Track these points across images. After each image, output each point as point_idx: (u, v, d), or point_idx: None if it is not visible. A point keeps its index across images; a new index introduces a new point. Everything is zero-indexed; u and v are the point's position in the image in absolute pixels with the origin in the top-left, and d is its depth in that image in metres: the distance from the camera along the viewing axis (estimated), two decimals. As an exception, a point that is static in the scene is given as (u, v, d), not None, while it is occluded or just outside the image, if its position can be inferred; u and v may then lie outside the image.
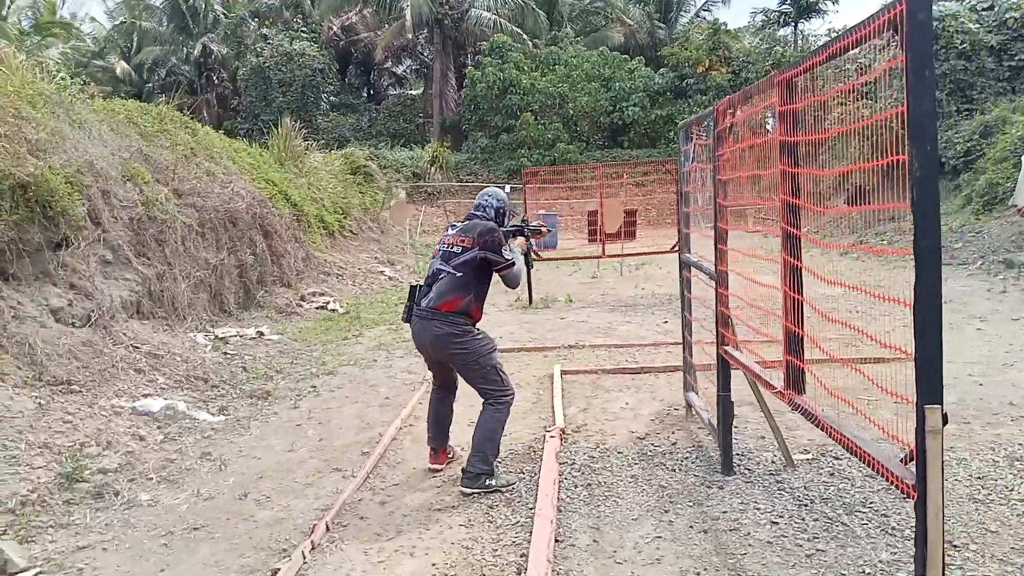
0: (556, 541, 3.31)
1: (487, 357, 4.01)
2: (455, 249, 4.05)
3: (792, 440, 4.47)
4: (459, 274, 3.98)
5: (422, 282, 4.17)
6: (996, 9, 17.01)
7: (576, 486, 3.92)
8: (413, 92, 38.37)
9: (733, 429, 4.69)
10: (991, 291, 9.58)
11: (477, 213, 4.22)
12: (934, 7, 16.92)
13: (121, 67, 35.00)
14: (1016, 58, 16.33)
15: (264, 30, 31.79)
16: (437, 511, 3.70)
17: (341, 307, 10.10)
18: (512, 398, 4.11)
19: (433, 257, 4.19)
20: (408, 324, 4.18)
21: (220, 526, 3.63)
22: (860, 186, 9.49)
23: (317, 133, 29.26)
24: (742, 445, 4.44)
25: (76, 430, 4.49)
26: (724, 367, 4.07)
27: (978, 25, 16.60)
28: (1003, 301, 8.84)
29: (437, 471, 4.23)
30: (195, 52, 33.58)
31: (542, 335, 8.10)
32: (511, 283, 4.13)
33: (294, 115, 28.68)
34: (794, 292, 3.09)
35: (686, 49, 27.22)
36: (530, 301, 10.45)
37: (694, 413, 4.89)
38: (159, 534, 3.55)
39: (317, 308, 10.10)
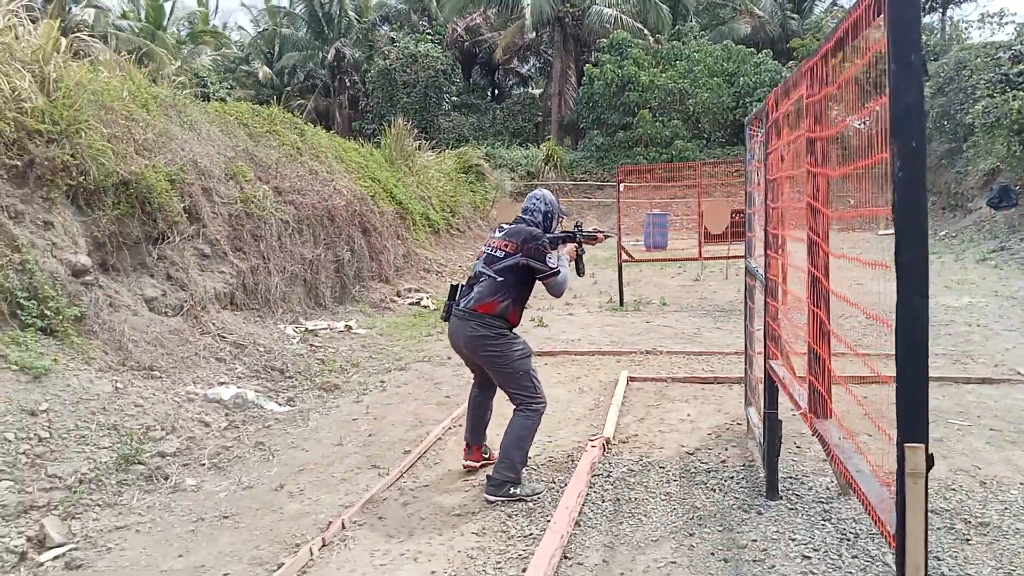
0: (565, 558, 3.18)
1: (520, 362, 3.96)
2: (498, 253, 4.04)
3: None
4: (500, 279, 3.98)
5: (464, 283, 4.18)
6: None
7: (604, 500, 3.76)
8: (535, 91, 38.61)
9: (795, 450, 4.39)
10: None
11: (524, 216, 4.18)
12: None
13: (263, 72, 37.33)
14: None
15: (392, 33, 32.90)
16: (456, 516, 3.65)
17: (432, 303, 10.27)
18: (544, 406, 4.03)
19: (477, 259, 4.19)
20: (446, 323, 4.18)
21: (248, 516, 3.75)
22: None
23: (439, 132, 30.04)
24: (798, 468, 4.12)
25: (145, 414, 4.78)
26: (770, 383, 3.77)
27: None
28: None
29: (471, 468, 4.22)
30: (329, 56, 35.25)
31: (622, 339, 7.88)
32: (554, 291, 4.07)
33: (416, 115, 29.75)
34: (816, 306, 2.81)
35: (817, 40, 25.69)
36: (621, 303, 10.23)
37: (752, 430, 4.58)
38: (191, 519, 3.71)
39: (411, 304, 10.32)
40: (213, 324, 6.68)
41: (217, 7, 41.81)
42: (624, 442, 4.63)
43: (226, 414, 5.27)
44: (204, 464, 4.43)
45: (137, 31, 31.51)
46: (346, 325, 8.44)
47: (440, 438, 4.81)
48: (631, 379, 6.12)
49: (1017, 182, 16.87)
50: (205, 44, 38.96)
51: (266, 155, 9.42)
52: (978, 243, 15.16)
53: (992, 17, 23.86)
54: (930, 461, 1.76)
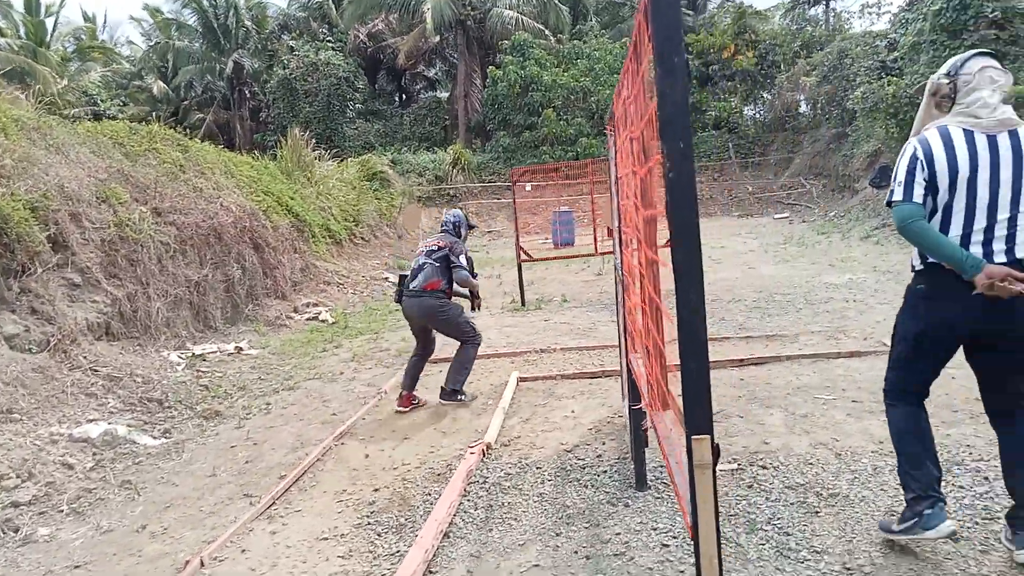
0: (429, 572, 3.13)
1: (460, 317, 5.66)
2: (434, 248, 5.69)
3: (726, 448, 4.18)
4: (438, 265, 5.61)
5: (407, 273, 5.73)
6: (1028, -28, 16.05)
7: (477, 508, 3.72)
8: (442, 95, 38.50)
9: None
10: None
11: (445, 227, 5.92)
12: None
13: (158, 86, 35.97)
14: (1051, 22, 15.36)
15: (291, 42, 32.21)
16: (323, 540, 3.55)
17: (331, 317, 10.06)
18: (480, 340, 5.78)
19: (418, 255, 5.76)
20: (399, 304, 5.73)
21: (103, 563, 3.55)
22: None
23: (344, 141, 29.57)
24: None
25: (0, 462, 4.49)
26: (630, 376, 3.81)
27: (1009, -10, 15.67)
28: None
29: (401, 412, 5.51)
30: (227, 68, 34.23)
31: (519, 339, 7.90)
32: (459, 278, 5.64)
33: (320, 124, 29.24)
34: (646, 297, 2.84)
35: (711, 35, 26.54)
36: (522, 302, 10.27)
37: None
38: (38, 574, 3.48)
39: (308, 319, 10.09)
40: (84, 357, 6.34)
41: (105, 21, 39.99)
42: (506, 445, 4.61)
43: (93, 453, 5.00)
44: (62, 511, 4.18)
45: (16, 49, 29.88)
46: (236, 347, 8.17)
47: (320, 459, 4.69)
48: (521, 379, 6.13)
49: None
50: (94, 60, 37.31)
51: (144, 175, 9.04)
52: (863, 221, 15.92)
53: (872, 8, 25.05)
54: (716, 452, 1.78)
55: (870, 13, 24.82)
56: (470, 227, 6.06)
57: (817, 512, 3.32)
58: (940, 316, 2.77)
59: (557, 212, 19.70)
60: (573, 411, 5.21)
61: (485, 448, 4.43)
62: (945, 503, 2.86)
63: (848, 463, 3.80)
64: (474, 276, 5.78)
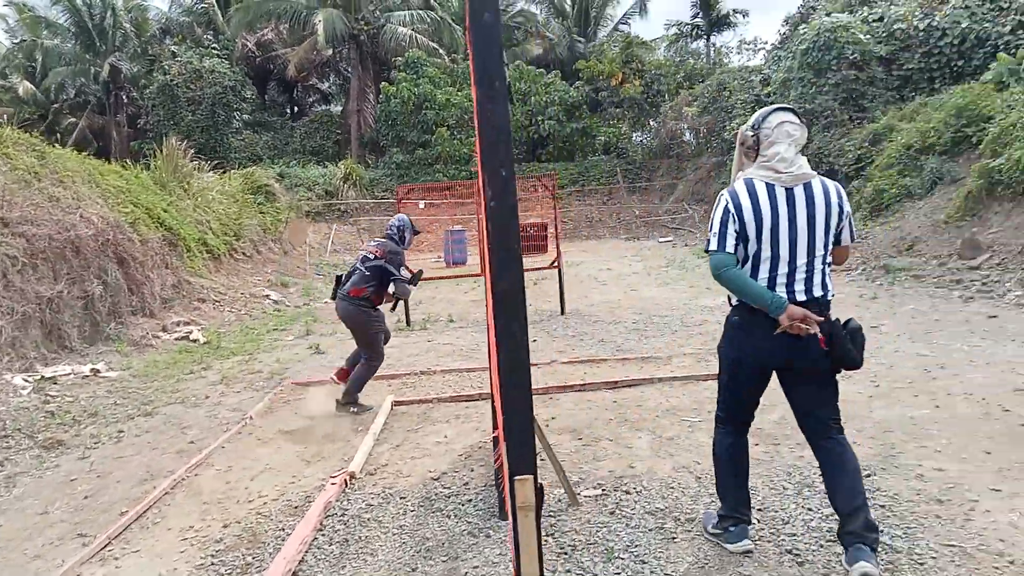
0: (273, 615, 2.94)
1: (374, 333, 5.87)
2: (370, 255, 5.91)
3: (592, 473, 4.18)
4: (368, 273, 5.82)
5: (343, 274, 6.04)
6: (885, 20, 17.42)
7: (332, 543, 3.54)
8: (335, 109, 37.82)
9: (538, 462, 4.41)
10: (863, 297, 9.61)
11: (389, 232, 6.08)
12: (828, 18, 17.26)
13: (24, 87, 33.57)
14: (904, 68, 16.70)
15: (173, 47, 30.80)
16: (161, 583, 3.28)
17: (203, 337, 9.55)
18: (381, 362, 6.02)
19: (356, 259, 6.02)
20: (333, 301, 5.98)
21: None
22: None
23: (230, 152, 28.47)
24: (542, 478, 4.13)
25: None
26: (493, 403, 3.74)
27: (868, 36, 16.94)
28: (869, 309, 8.83)
29: (338, 383, 6.03)
30: (104, 72, 32.34)
31: (400, 360, 7.73)
32: (399, 290, 5.92)
33: (204, 133, 28.04)
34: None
35: (600, 62, 27.32)
36: (407, 322, 10.10)
37: (500, 448, 4.58)
38: None
39: (178, 339, 9.53)
40: (-94, 381, 5.71)
41: (-36, 17, 37.01)
42: (371, 474, 4.44)
43: (-94, 489, 4.47)
44: None
45: None
46: (93, 369, 7.59)
47: (168, 492, 4.37)
48: (396, 403, 5.97)
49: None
50: (-51, 57, 34.47)
51: (-9, 182, 8.32)
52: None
53: (748, 44, 26.47)
54: (539, 493, 1.72)
55: (747, 49, 26.24)
56: (415, 232, 6.17)
57: (674, 538, 3.35)
58: (752, 347, 3.05)
59: (449, 231, 19.64)
60: (446, 436, 5.11)
61: (348, 478, 4.25)
62: (749, 523, 3.21)
63: (707, 486, 3.87)
64: (414, 284, 6.14)
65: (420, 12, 30.33)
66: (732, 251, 2.96)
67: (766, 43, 24.61)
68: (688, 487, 3.90)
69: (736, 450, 3.23)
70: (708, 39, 29.81)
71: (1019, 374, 5.62)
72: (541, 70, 28.74)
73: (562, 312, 10.18)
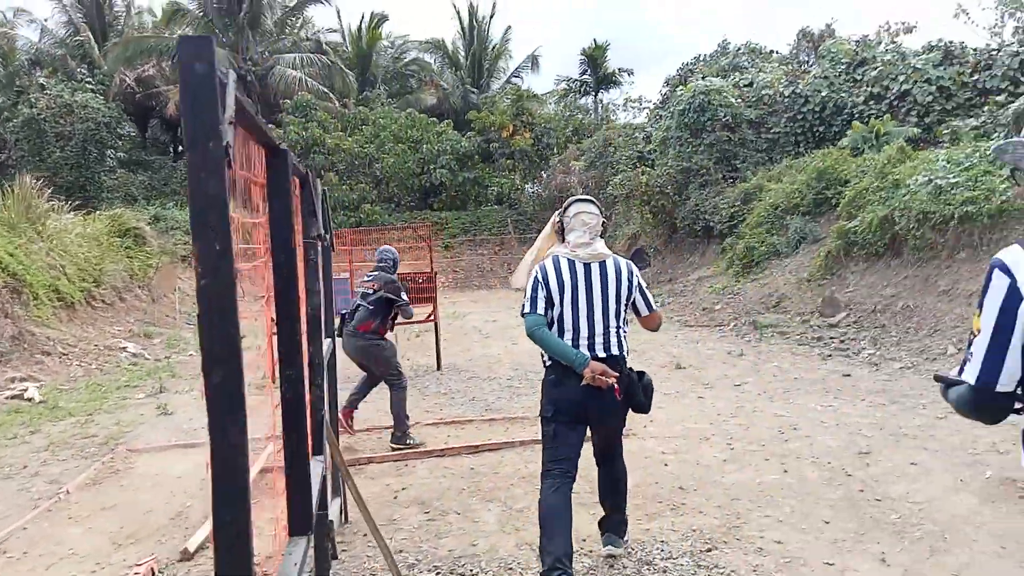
0: None
1: (389, 359, 6.27)
2: (369, 291, 6.29)
3: (431, 553, 3.91)
4: (371, 307, 6.21)
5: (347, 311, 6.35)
6: (754, 86, 18.47)
7: (121, 650, 3.11)
8: (222, 149, 36.57)
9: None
10: (731, 354, 9.84)
11: (381, 265, 6.53)
12: (703, 81, 18.12)
13: None
14: (772, 131, 17.69)
15: (42, 79, 29.06)
16: None
17: (39, 395, 8.69)
18: (406, 383, 6.32)
19: (352, 297, 6.59)
20: (340, 338, 5.99)
21: None
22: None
23: (101, 191, 26.90)
24: (374, 561, 3.83)
25: None
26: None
27: (740, 100, 17.90)
28: (736, 366, 9.03)
29: (346, 426, 6.07)
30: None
31: (251, 421, 7.22)
32: (406, 314, 6.44)
33: (73, 171, 26.43)
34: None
35: (492, 114, 27.71)
36: (274, 378, 9.54)
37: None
38: None
39: (10, 397, 8.63)
40: None
41: None
42: (187, 559, 4.00)
43: None
44: None
45: None
46: None
47: (-59, 589, 3.77)
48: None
49: (652, 245, 19.35)
50: None
51: None
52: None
53: (634, 102, 27.56)
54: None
55: (633, 106, 27.30)
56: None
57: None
58: (565, 398, 3.51)
59: (334, 279, 19.10)
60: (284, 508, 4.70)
61: (152, 568, 3.80)
62: (569, 571, 3.30)
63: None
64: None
65: (311, 55, 30.00)
66: (543, 313, 3.50)
67: (650, 102, 25.63)
68: (528, 567, 3.70)
69: (559, 501, 3.49)
70: (596, 95, 30.87)
71: (864, 435, 5.78)
72: (434, 119, 28.86)
73: (438, 368, 9.91)
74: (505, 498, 4.73)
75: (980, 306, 1.69)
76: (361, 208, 25.88)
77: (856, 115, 16.00)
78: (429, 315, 10.22)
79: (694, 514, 4.33)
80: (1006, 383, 1.64)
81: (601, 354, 3.45)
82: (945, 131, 13.48)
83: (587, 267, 3.51)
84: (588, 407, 3.48)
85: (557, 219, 3.76)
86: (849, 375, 8.18)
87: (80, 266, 14.17)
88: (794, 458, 5.32)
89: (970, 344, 1.71)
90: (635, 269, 3.68)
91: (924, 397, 6.99)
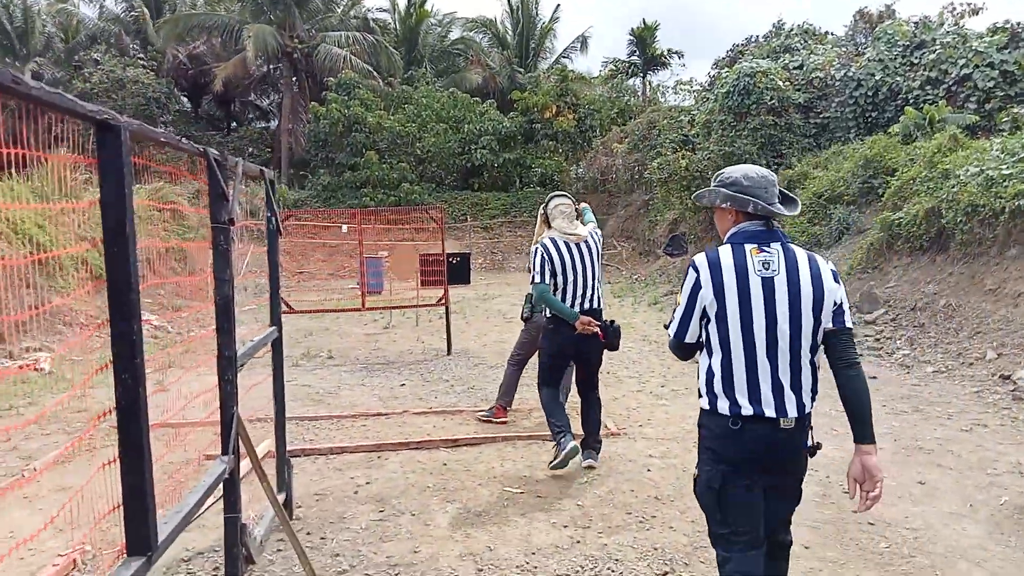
0: None
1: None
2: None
3: (368, 559, 3.65)
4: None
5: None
6: (804, 68, 17.61)
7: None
8: (273, 126, 36.98)
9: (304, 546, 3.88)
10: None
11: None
12: (748, 63, 17.36)
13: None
14: (821, 116, 16.86)
15: (96, 55, 29.70)
16: None
17: (49, 366, 8.75)
18: (515, 361, 6.33)
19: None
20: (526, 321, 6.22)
21: None
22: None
23: (146, 166, 27.38)
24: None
25: None
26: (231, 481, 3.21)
27: (788, 83, 17.08)
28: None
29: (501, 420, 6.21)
30: (25, 77, 30.96)
31: (242, 403, 7.08)
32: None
33: (123, 145, 26.90)
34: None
35: (536, 94, 27.21)
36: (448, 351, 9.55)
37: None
38: None
39: (21, 367, 8.71)
40: None
41: None
42: (114, 549, 3.82)
43: None
44: None
45: None
46: None
47: None
48: (209, 458, 5.35)
49: (692, 232, 18.73)
50: None
51: None
52: (656, 287, 16.48)
53: (685, 84, 26.68)
54: None
55: (683, 89, 26.43)
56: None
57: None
58: (560, 341, 4.89)
59: (367, 258, 19.08)
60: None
61: (75, 559, 3.63)
62: (571, 432, 4.84)
63: (483, 582, 3.38)
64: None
65: (357, 34, 29.91)
66: (548, 282, 4.80)
67: (700, 84, 24.78)
68: None
69: (556, 396, 5.04)
70: (643, 77, 30.04)
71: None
72: (476, 99, 28.50)
73: (448, 352, 9.67)
74: (467, 499, 4.44)
75: (681, 287, 2.58)
76: (400, 187, 25.76)
77: (911, 100, 15.08)
78: (440, 299, 9.97)
79: (662, 529, 3.97)
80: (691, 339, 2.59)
81: (587, 306, 4.82)
82: (1005, 119, 12.57)
83: (577, 247, 4.85)
84: (579, 348, 4.84)
85: (542, 211, 5.11)
86: (875, 377, 7.63)
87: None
88: (791, 469, 4.89)
89: (674, 311, 2.62)
90: (599, 235, 5.08)
91: (951, 406, 6.44)
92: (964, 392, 6.95)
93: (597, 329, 4.70)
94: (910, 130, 13.58)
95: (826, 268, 2.48)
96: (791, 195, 2.63)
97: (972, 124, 13.09)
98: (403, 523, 4.11)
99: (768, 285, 2.42)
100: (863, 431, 2.48)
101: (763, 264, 2.43)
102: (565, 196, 5.05)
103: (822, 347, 2.49)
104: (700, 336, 2.53)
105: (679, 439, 5.64)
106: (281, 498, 4.10)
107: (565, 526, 3.99)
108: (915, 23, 17.01)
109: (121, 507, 2.10)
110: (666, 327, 2.66)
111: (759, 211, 2.48)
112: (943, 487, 4.49)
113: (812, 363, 2.49)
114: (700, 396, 2.55)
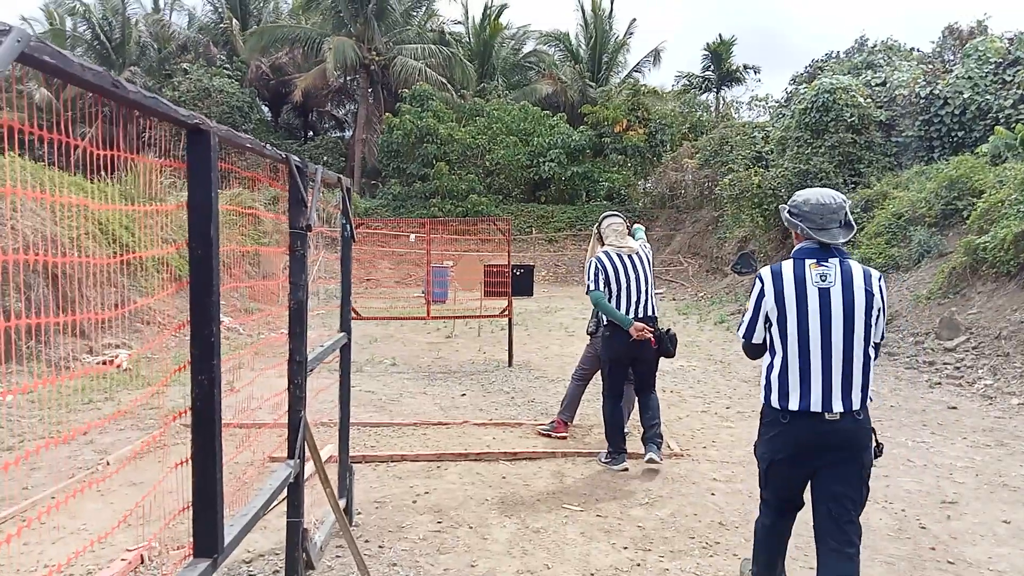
0: None
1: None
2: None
3: (426, 570, 3.65)
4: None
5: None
6: (888, 85, 17.04)
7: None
8: (348, 135, 37.92)
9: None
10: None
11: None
12: (828, 80, 16.90)
13: (41, 94, 33.95)
14: (903, 134, 16.26)
15: (185, 64, 31.04)
16: None
17: (127, 362, 9.12)
18: (579, 374, 6.28)
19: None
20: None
21: None
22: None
23: (230, 173, 28.44)
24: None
25: None
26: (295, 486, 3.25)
27: (869, 100, 16.55)
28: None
29: (562, 435, 6.12)
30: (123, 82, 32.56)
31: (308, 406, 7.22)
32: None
33: (206, 152, 28.00)
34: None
35: (606, 108, 27.12)
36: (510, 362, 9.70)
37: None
38: None
39: (100, 363, 9.10)
40: None
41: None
42: (181, 547, 3.93)
43: None
44: None
45: None
46: (-16, 391, 7.14)
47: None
48: (272, 458, 5.46)
49: (763, 250, 18.28)
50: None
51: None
52: (723, 305, 16.13)
53: (760, 101, 26.18)
54: None
55: (758, 105, 25.93)
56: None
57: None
58: (617, 347, 5.20)
59: (433, 267, 19.32)
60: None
61: (143, 555, 3.74)
62: (625, 453, 5.28)
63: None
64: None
65: (432, 47, 30.41)
66: (603, 290, 5.14)
67: (776, 101, 24.26)
68: None
69: (618, 411, 5.30)
70: (717, 92, 29.59)
71: (954, 481, 5.04)
72: (547, 112, 28.59)
73: (509, 364, 9.66)
74: (525, 515, 4.40)
75: (749, 295, 3.06)
76: (469, 198, 26.00)
77: (1001, 120, 14.40)
78: (503, 310, 9.98)
79: (726, 556, 3.85)
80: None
81: (641, 314, 5.13)
82: (1106, 140, 11.86)
83: (630, 258, 5.23)
84: (634, 353, 5.15)
85: (595, 230, 5.57)
86: (956, 408, 7.27)
87: (192, 241, 14.88)
88: (863, 501, 4.68)
89: (743, 315, 3.09)
90: (649, 248, 5.50)
91: (1040, 443, 6.07)
92: (1055, 429, 6.55)
93: (651, 335, 5.06)
94: (1000, 151, 12.95)
95: (876, 282, 2.88)
96: (851, 222, 2.94)
97: (1069, 145, 12.40)
98: (461, 536, 4.10)
99: (824, 295, 2.83)
100: None
101: (821, 276, 2.85)
102: (617, 215, 5.56)
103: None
104: (765, 338, 2.99)
105: (744, 463, 5.47)
106: (342, 504, 4.15)
107: (625, 547, 3.91)
108: (1009, 39, 16.26)
109: (190, 508, 2.14)
110: (737, 330, 3.18)
111: (804, 235, 2.92)
112: (1030, 529, 4.22)
113: (865, 365, 2.84)
114: (761, 388, 3.01)
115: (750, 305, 3.00)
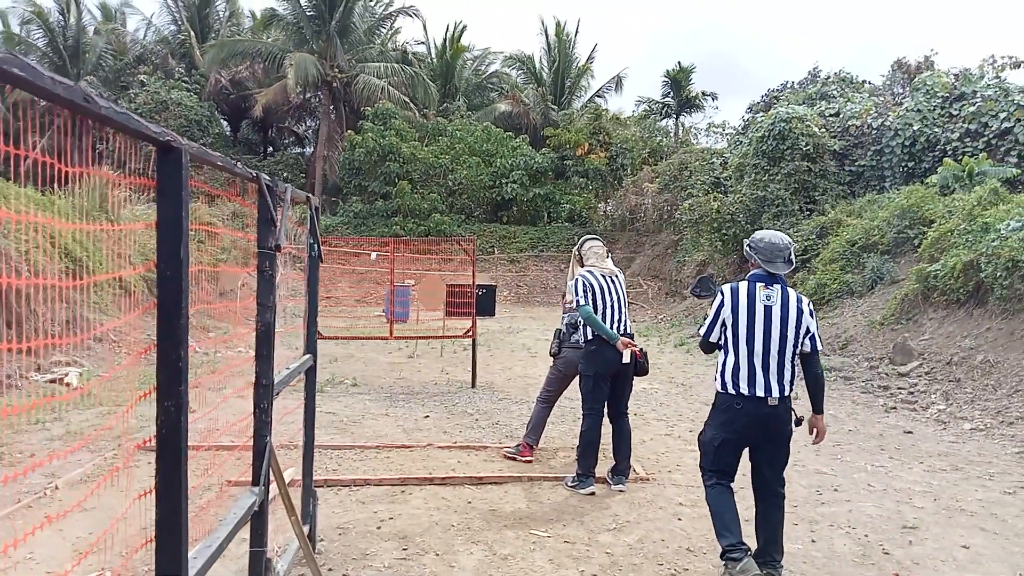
0: None
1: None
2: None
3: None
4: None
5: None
6: (841, 116, 17.54)
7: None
8: (309, 152, 37.57)
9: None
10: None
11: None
12: (784, 109, 17.33)
13: (-12, 102, 32.98)
14: (856, 163, 16.74)
15: (142, 76, 30.49)
16: None
17: (77, 381, 8.81)
18: (543, 396, 6.31)
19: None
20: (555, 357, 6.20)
21: None
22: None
23: (186, 186, 27.87)
24: (326, 606, 3.51)
25: None
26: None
27: (824, 130, 17.02)
28: (786, 411, 8.35)
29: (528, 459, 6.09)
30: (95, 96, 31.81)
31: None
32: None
33: (161, 165, 27.45)
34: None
35: (568, 131, 27.39)
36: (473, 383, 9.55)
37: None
38: None
39: (49, 381, 8.78)
40: None
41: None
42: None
43: None
44: None
45: None
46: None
47: None
48: (232, 483, 5.30)
49: (721, 274, 18.57)
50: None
51: None
52: (682, 328, 16.30)
53: (717, 127, 26.71)
54: None
55: (715, 132, 26.47)
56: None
57: None
58: (602, 360, 5.34)
59: (396, 286, 19.16)
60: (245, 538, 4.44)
61: (97, 584, 3.58)
62: (594, 477, 5.37)
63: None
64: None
65: (395, 65, 30.42)
66: (591, 305, 5.30)
67: (733, 128, 24.79)
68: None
69: (595, 432, 5.39)
70: (677, 118, 30.13)
71: (913, 506, 5.13)
72: (509, 133, 28.76)
73: (472, 385, 9.60)
74: (493, 541, 4.34)
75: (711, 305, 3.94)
76: (431, 217, 25.93)
77: (949, 152, 14.95)
78: (467, 330, 9.92)
79: (694, 584, 3.84)
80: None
81: (622, 331, 5.37)
82: (1048, 174, 12.37)
83: (609, 278, 5.50)
84: (618, 367, 5.32)
85: (576, 252, 5.80)
86: (911, 432, 7.43)
87: (148, 256, 14.53)
88: (827, 525, 4.75)
89: (704, 319, 3.97)
90: (621, 274, 5.69)
91: (992, 467, 6.22)
92: (1005, 452, 6.73)
93: (637, 349, 5.34)
94: (948, 182, 13.43)
95: (806, 306, 3.81)
96: (793, 260, 3.85)
97: (1013, 178, 12.91)
98: (427, 563, 4.02)
99: (768, 311, 3.74)
100: (818, 406, 3.97)
101: (767, 297, 3.76)
102: (596, 239, 5.80)
103: (800, 363, 3.86)
104: (719, 339, 3.87)
105: (709, 488, 5.49)
106: (305, 530, 4.04)
107: (595, 575, 3.87)
108: (955, 75, 16.92)
109: (152, 540, 2.05)
110: (698, 329, 4.07)
111: (757, 264, 3.85)
112: (989, 553, 4.31)
113: (792, 364, 3.75)
114: (715, 380, 3.86)
115: (711, 312, 3.90)
